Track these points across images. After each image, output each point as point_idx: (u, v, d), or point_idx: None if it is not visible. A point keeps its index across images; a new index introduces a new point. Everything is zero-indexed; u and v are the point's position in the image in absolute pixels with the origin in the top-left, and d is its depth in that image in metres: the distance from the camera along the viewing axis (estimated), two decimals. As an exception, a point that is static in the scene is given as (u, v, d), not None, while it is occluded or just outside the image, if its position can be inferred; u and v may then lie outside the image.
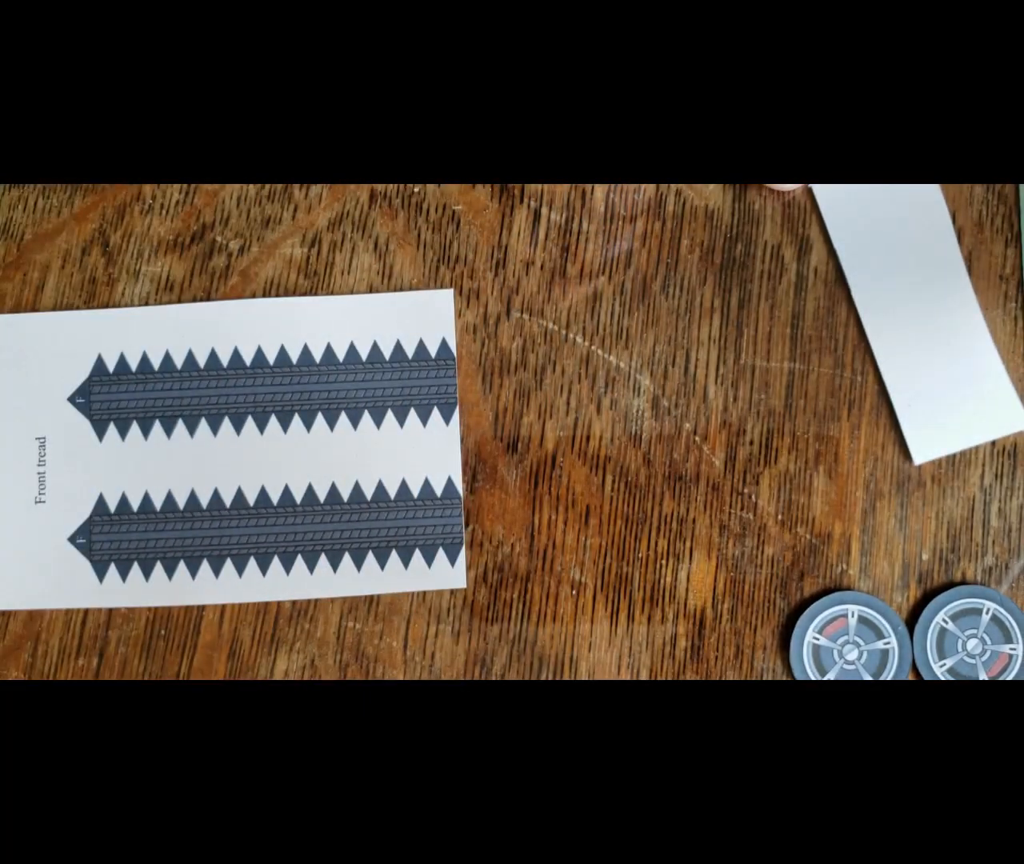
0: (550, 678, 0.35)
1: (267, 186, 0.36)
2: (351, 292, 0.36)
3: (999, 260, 0.35)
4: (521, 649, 0.35)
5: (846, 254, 0.35)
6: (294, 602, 0.35)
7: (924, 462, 0.35)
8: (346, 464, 0.35)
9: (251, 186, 0.36)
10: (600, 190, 0.36)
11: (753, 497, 0.35)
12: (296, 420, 0.36)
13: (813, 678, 0.34)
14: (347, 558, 0.35)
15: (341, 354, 0.36)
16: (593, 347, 0.36)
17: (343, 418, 0.36)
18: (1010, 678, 0.34)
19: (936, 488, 0.35)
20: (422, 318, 0.36)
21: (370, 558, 0.35)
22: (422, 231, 0.36)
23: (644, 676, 0.34)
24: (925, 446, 0.35)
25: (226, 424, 0.36)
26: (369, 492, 0.35)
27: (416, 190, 0.36)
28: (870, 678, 0.34)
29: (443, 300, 0.36)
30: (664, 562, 0.35)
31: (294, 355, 0.36)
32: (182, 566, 0.35)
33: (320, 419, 0.36)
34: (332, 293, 0.36)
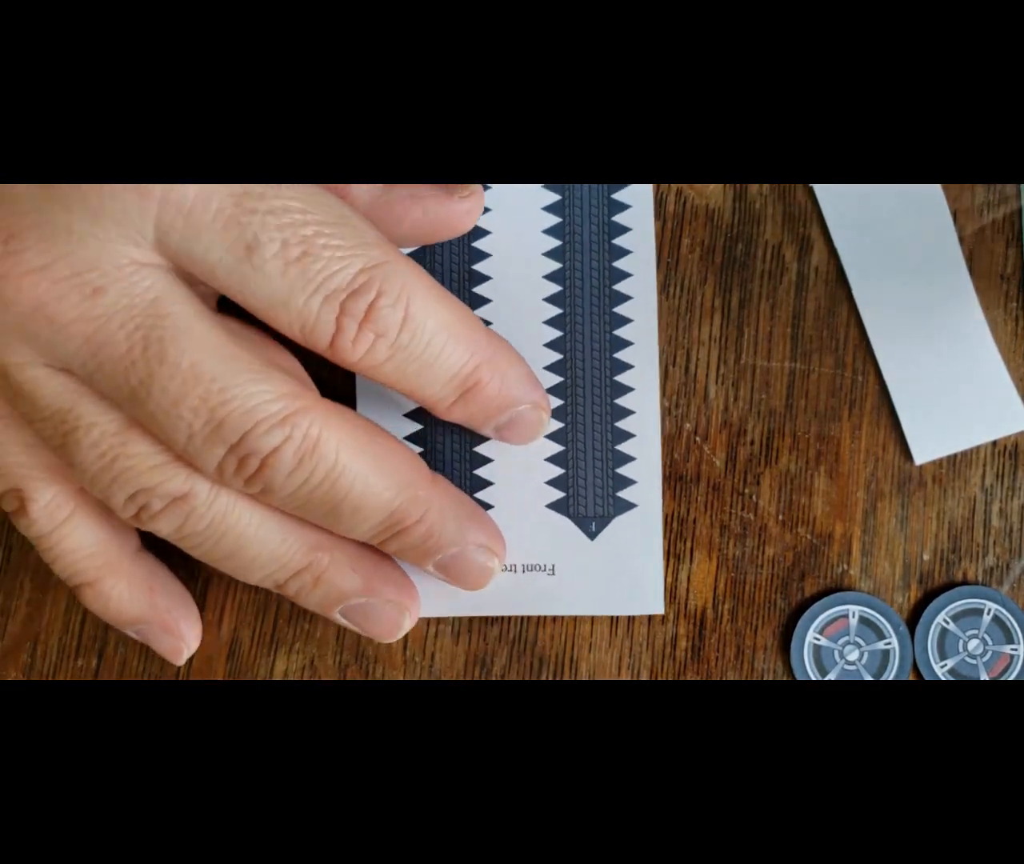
0: (550, 678, 0.34)
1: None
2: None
3: (1000, 260, 0.35)
4: (521, 649, 0.35)
5: (847, 254, 0.35)
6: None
7: (925, 462, 0.35)
8: None
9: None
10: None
11: (754, 497, 0.35)
12: None
13: (814, 679, 0.34)
14: None
15: None
16: (593, 347, 0.36)
17: None
18: (1011, 678, 0.34)
19: (937, 488, 0.35)
20: None
21: None
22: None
23: (644, 676, 0.34)
24: (926, 446, 0.35)
25: None
26: None
27: (416, 190, 0.36)
28: (871, 678, 0.34)
29: None
30: (665, 562, 0.35)
31: None
32: None
33: None
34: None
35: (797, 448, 0.35)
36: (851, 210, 0.35)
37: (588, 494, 0.35)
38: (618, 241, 0.35)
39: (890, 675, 0.34)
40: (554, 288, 0.35)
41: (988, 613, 0.34)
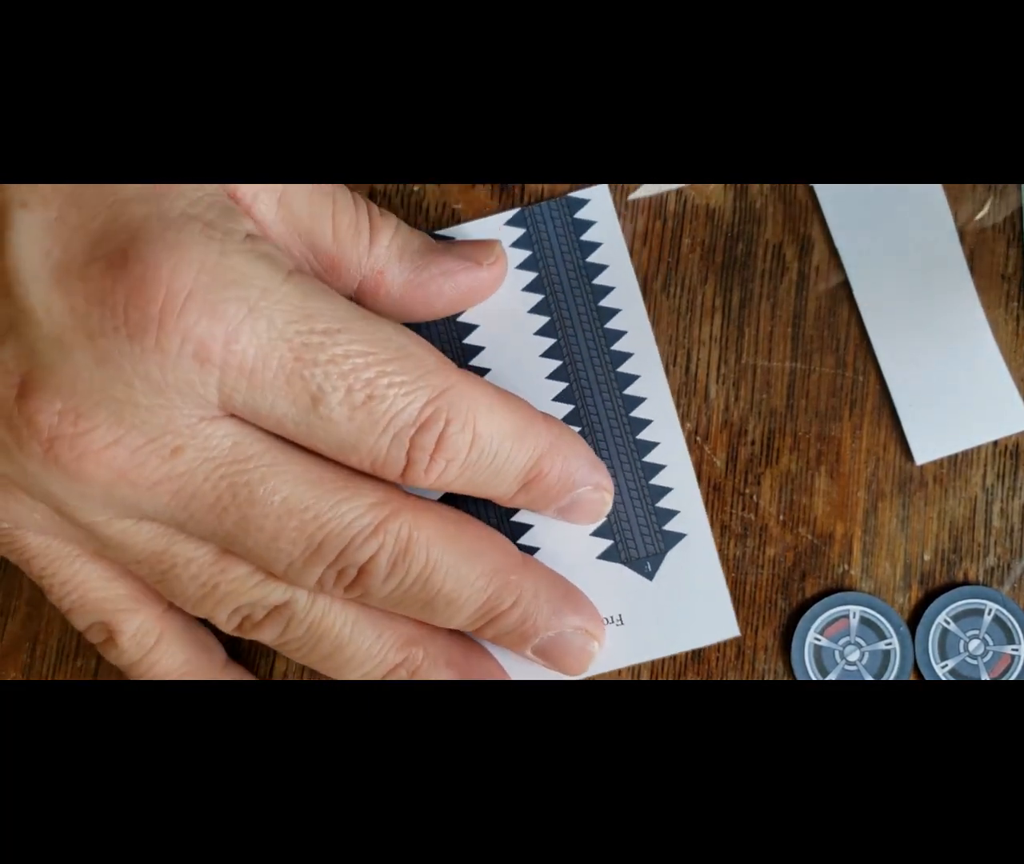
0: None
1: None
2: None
3: (1001, 260, 0.35)
4: (521, 650, 0.35)
5: (848, 254, 0.35)
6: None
7: (926, 462, 0.35)
8: None
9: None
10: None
11: (755, 497, 0.35)
12: None
13: (814, 679, 0.34)
14: None
15: None
16: (594, 347, 0.35)
17: None
18: (1012, 679, 0.34)
19: (938, 488, 0.35)
20: None
21: None
22: (421, 230, 0.36)
23: (645, 676, 0.34)
24: (927, 446, 0.34)
25: None
26: None
27: (416, 189, 0.36)
28: (872, 679, 0.34)
29: None
30: (665, 562, 0.35)
31: None
32: None
33: None
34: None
35: (798, 448, 0.35)
36: (851, 210, 0.35)
37: (635, 535, 0.34)
38: (597, 281, 0.35)
39: (891, 675, 0.34)
40: (548, 341, 0.35)
41: (989, 613, 0.34)
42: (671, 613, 0.34)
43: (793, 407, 0.35)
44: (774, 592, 0.35)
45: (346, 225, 0.31)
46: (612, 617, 0.34)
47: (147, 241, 0.27)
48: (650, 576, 0.34)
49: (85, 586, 0.31)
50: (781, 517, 0.35)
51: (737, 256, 0.36)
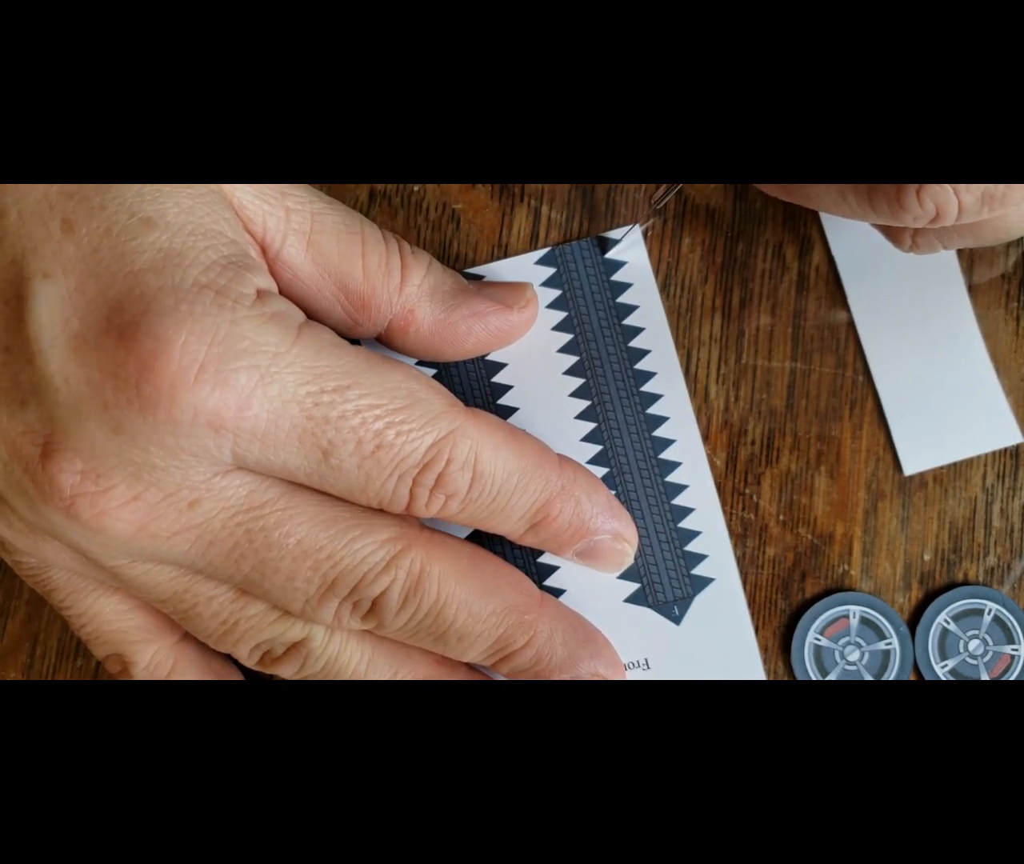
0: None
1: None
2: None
3: (1001, 259, 0.35)
4: (521, 650, 0.35)
5: (844, 263, 0.35)
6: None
7: (914, 473, 0.34)
8: None
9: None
10: (601, 189, 0.36)
11: (755, 497, 0.35)
12: None
13: (815, 679, 0.34)
14: None
15: None
16: (594, 347, 0.35)
17: None
18: (1012, 679, 0.34)
19: (938, 488, 0.35)
20: None
21: None
22: (422, 230, 0.36)
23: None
24: (916, 458, 0.34)
25: None
26: None
27: (416, 189, 0.36)
28: (872, 679, 0.34)
29: None
30: (665, 562, 0.35)
31: None
32: None
33: None
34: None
35: (798, 448, 0.35)
36: (849, 224, 0.35)
37: (663, 579, 0.34)
38: (627, 321, 0.35)
39: (891, 675, 0.34)
40: (577, 381, 0.35)
41: (989, 613, 0.34)
42: (697, 658, 0.34)
43: (793, 407, 0.35)
44: (774, 592, 0.35)
45: (376, 264, 0.32)
46: (638, 661, 0.34)
47: (158, 314, 0.27)
48: (677, 621, 0.34)
49: (99, 619, 0.32)
50: (781, 517, 0.35)
51: (737, 256, 0.36)
